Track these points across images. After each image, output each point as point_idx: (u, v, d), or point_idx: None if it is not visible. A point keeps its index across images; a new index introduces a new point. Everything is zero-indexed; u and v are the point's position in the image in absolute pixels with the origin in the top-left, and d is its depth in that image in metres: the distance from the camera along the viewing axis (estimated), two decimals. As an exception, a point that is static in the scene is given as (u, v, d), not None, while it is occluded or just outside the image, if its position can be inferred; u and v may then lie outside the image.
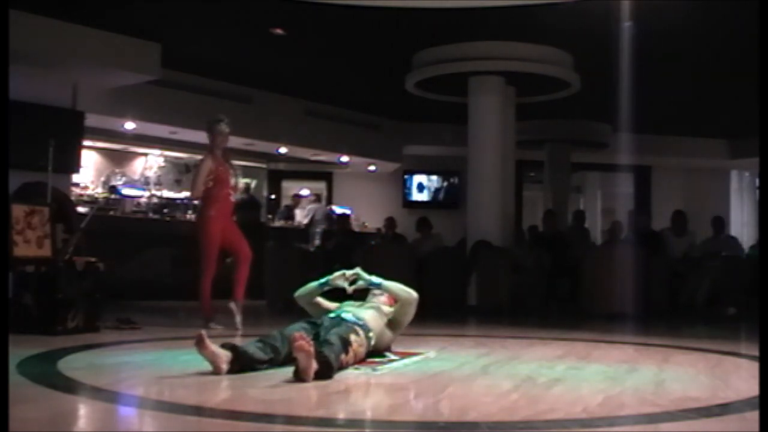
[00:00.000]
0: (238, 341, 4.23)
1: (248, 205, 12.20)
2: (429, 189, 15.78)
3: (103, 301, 6.01)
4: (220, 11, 8.92)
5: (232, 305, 6.47)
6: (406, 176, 15.69)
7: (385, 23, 9.13)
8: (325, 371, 3.57)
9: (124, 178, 12.79)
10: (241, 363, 3.72)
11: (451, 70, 10.07)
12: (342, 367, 3.79)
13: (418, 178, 15.76)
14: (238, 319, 6.41)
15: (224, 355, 3.70)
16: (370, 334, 4.22)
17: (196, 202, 6.89)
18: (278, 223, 13.77)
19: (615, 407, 3.17)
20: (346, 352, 3.87)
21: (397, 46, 9.99)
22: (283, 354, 3.83)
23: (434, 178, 15.77)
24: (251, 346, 3.82)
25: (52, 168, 6.91)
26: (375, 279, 4.65)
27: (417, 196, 15.74)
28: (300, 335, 3.58)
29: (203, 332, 3.70)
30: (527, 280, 9.80)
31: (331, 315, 4.31)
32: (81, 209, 9.41)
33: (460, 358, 4.58)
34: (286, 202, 15.12)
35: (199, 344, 3.67)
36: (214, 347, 3.71)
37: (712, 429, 2.87)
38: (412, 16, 8.70)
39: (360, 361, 4.06)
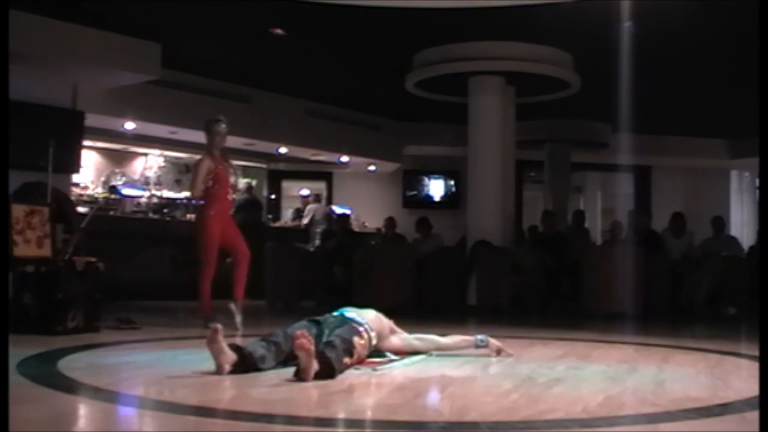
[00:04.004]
0: (238, 341, 4.22)
1: (251, 205, 12.22)
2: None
3: (103, 301, 6.00)
4: (220, 11, 8.92)
5: (232, 306, 6.46)
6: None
7: (385, 23, 9.13)
8: (327, 372, 3.57)
9: (124, 178, 12.79)
10: (246, 365, 3.71)
11: (451, 70, 10.08)
12: (343, 369, 3.78)
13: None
14: (238, 319, 6.40)
15: (230, 356, 3.69)
16: (372, 334, 4.22)
17: (196, 201, 6.88)
18: (279, 223, 13.78)
19: (615, 407, 3.16)
20: (351, 356, 3.87)
21: (397, 46, 9.99)
22: (286, 352, 3.82)
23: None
24: (254, 346, 3.81)
25: (52, 168, 6.90)
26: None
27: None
28: (302, 333, 3.57)
29: (219, 326, 3.69)
30: (527, 280, 9.79)
31: (335, 313, 4.30)
32: (81, 209, 9.41)
33: (460, 358, 4.58)
34: (285, 202, 15.14)
35: (212, 337, 3.66)
36: (224, 345, 3.70)
37: (712, 429, 2.87)
38: (413, 16, 8.70)
39: (361, 361, 4.06)
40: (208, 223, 6.44)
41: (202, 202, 6.59)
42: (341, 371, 3.71)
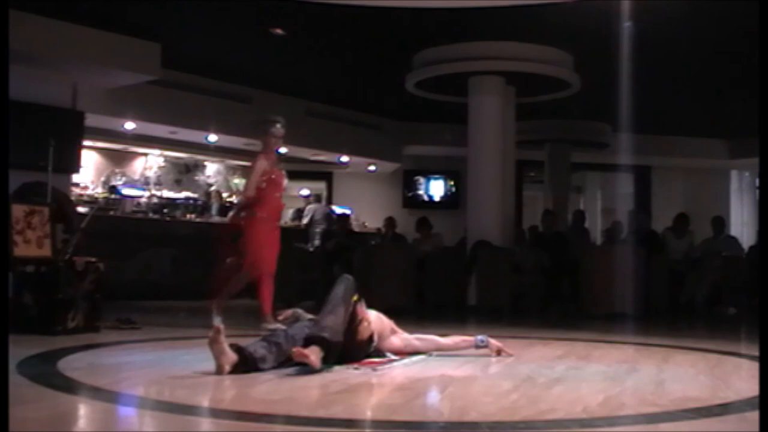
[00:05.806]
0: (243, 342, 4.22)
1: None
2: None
3: (103, 301, 6.00)
4: (220, 11, 8.92)
5: (267, 325, 5.98)
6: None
7: (385, 23, 9.13)
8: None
9: (124, 178, 12.79)
10: (247, 366, 3.71)
11: (451, 70, 10.08)
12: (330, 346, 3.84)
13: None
14: (273, 327, 6.17)
15: (231, 356, 3.69)
16: (373, 329, 4.25)
17: (238, 202, 6.73)
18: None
19: (615, 407, 3.17)
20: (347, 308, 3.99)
21: (397, 46, 9.99)
22: (286, 353, 3.82)
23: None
24: (255, 347, 3.81)
25: (52, 168, 6.90)
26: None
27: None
28: (298, 350, 3.67)
29: (220, 326, 3.70)
30: (527, 280, 9.80)
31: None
32: (81, 209, 9.40)
33: (460, 358, 4.58)
34: (285, 201, 15.08)
35: (214, 337, 3.66)
36: (225, 345, 3.71)
37: (712, 429, 2.87)
38: (412, 16, 8.70)
39: (360, 360, 4.06)
40: (258, 224, 6.27)
41: (236, 203, 6.45)
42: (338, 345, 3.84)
